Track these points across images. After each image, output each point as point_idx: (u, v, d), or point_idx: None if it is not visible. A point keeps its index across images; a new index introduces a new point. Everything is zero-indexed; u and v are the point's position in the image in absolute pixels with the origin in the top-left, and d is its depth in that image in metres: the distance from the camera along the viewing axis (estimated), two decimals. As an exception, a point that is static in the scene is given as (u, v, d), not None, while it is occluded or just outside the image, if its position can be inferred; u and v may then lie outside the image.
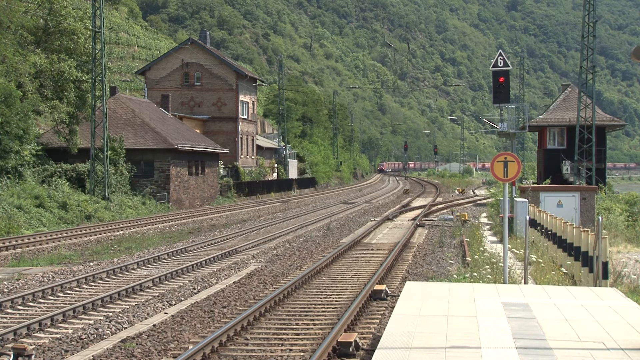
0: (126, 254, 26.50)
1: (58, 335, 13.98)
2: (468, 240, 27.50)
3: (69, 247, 28.28)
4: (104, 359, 12.27)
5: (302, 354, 12.57)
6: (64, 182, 41.61)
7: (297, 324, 14.74)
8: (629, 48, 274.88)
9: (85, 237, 31.57)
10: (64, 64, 42.76)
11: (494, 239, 30.65)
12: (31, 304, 17.09)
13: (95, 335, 13.91)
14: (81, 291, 18.86)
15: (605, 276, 16.29)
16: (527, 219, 18.61)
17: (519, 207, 29.29)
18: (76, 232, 32.67)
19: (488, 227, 36.37)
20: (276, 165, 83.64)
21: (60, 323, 15.04)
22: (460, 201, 61.34)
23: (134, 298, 17.85)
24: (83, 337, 13.78)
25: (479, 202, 60.70)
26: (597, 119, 48.56)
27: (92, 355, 12.40)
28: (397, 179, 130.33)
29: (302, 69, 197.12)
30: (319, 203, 58.91)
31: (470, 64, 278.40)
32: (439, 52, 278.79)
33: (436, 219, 41.30)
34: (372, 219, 41.33)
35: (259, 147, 79.45)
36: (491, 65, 21.02)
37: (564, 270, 19.32)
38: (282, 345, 13.15)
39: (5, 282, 19.82)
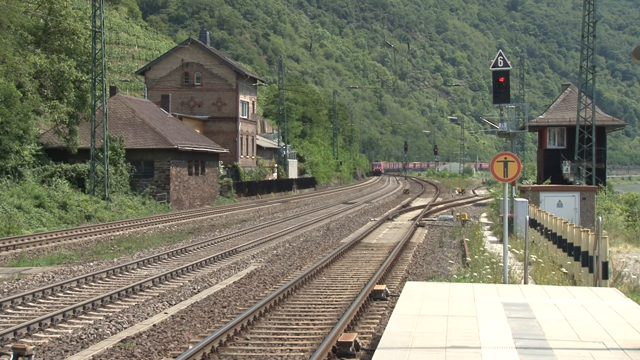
0: (126, 254, 26.50)
1: (58, 335, 13.99)
2: (468, 240, 27.50)
3: (69, 247, 28.27)
4: (104, 359, 12.27)
5: (302, 354, 12.57)
6: (64, 182, 41.61)
7: (297, 324, 14.74)
8: (629, 48, 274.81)
9: (85, 237, 31.57)
10: (64, 64, 42.76)
11: (494, 239, 30.65)
12: (31, 304, 17.09)
13: (95, 335, 13.91)
14: (81, 291, 18.86)
15: (605, 276, 16.29)
16: (527, 219, 18.61)
17: (519, 207, 29.28)
18: (76, 232, 32.67)
19: (488, 227, 36.36)
20: (276, 165, 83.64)
21: (60, 323, 15.04)
22: (460, 201, 61.33)
23: (134, 298, 17.85)
24: (83, 337, 13.78)
25: (479, 202, 60.69)
26: (597, 119, 48.55)
27: (92, 355, 12.40)
28: (397, 179, 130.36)
29: (302, 69, 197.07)
30: (319, 203, 58.91)
31: (470, 64, 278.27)
32: (439, 52, 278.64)
33: (436, 219, 41.29)
34: (372, 219, 41.33)
35: (259, 147, 79.44)
36: (491, 65, 21.04)
37: (564, 270, 19.31)
38: (282, 345, 13.15)
39: (5, 282, 19.82)
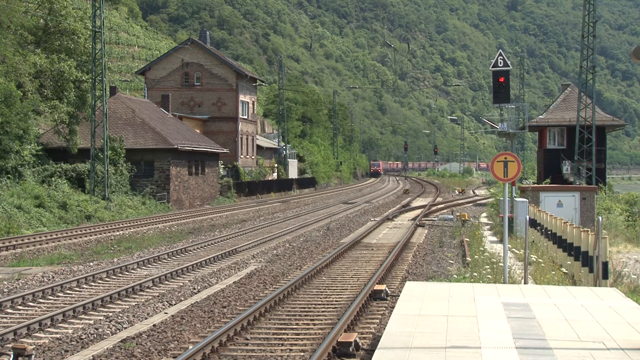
0: (126, 254, 26.50)
1: (58, 335, 13.98)
2: (468, 240, 27.50)
3: (69, 247, 28.27)
4: (104, 359, 12.27)
5: (302, 354, 12.57)
6: (64, 182, 41.60)
7: (297, 324, 14.74)
8: (629, 48, 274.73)
9: (85, 237, 31.56)
10: (64, 64, 42.75)
11: (494, 239, 30.65)
12: (31, 304, 17.09)
13: (95, 335, 13.91)
14: (81, 291, 18.86)
15: (605, 276, 16.29)
16: (527, 219, 18.60)
17: (519, 207, 29.28)
18: (76, 232, 32.67)
19: (488, 227, 36.36)
20: (276, 165, 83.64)
21: (60, 323, 15.04)
22: (460, 201, 61.32)
23: (134, 298, 17.85)
24: (83, 337, 13.78)
25: (479, 202, 60.68)
26: (597, 119, 48.54)
27: (92, 355, 12.40)
28: (397, 179, 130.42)
29: (302, 69, 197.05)
30: (319, 203, 58.90)
31: (470, 64, 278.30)
32: (439, 52, 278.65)
33: (436, 219, 41.28)
34: (372, 219, 41.32)
35: (259, 147, 79.45)
36: (491, 65, 21.04)
37: (564, 270, 19.31)
38: (282, 345, 13.15)
39: (5, 282, 19.82)
